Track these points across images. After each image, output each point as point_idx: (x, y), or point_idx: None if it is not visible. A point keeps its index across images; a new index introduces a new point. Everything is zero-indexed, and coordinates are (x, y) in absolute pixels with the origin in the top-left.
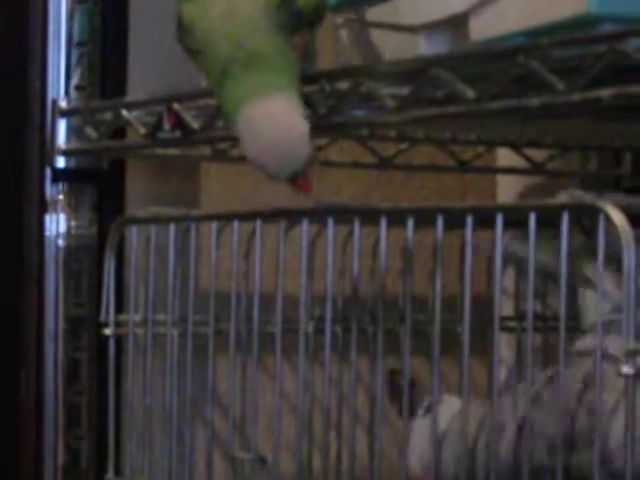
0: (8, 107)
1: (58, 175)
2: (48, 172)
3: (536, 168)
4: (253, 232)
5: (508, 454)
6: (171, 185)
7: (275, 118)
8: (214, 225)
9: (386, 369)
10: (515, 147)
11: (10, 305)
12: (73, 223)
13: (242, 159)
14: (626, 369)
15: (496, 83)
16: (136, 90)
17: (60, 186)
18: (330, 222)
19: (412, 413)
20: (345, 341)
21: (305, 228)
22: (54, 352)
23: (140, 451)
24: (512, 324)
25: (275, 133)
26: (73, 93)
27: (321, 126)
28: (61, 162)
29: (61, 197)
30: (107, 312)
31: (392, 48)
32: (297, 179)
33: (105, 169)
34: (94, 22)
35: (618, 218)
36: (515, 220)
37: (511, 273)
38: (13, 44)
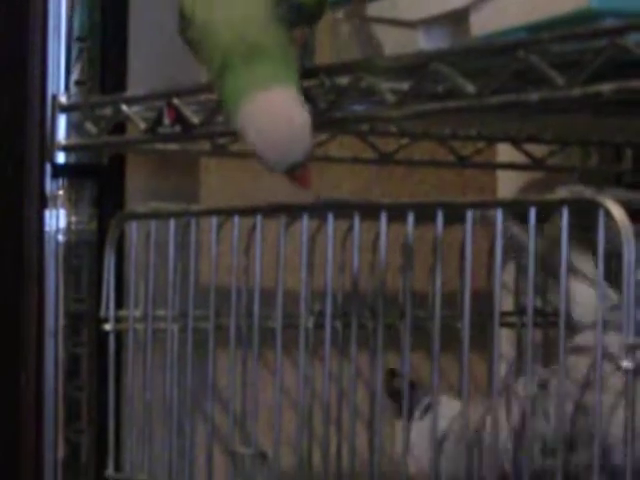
0: (8, 102)
1: (58, 170)
2: (48, 167)
3: (536, 164)
4: (253, 227)
5: (507, 454)
6: (171, 180)
7: (276, 109)
8: (214, 220)
9: (385, 368)
10: (515, 143)
11: (10, 301)
12: (73, 218)
13: (242, 154)
14: (626, 364)
15: (496, 78)
16: (136, 85)
17: (60, 181)
18: (330, 217)
19: (410, 415)
20: (345, 336)
21: (305, 223)
22: (54, 347)
23: (140, 446)
24: (512, 319)
25: (276, 124)
26: (73, 88)
27: (321, 121)
28: (61, 157)
29: (61, 192)
30: (107, 307)
31: (392, 43)
32: (296, 171)
33: (105, 164)
34: (94, 17)
35: (618, 213)
36: (515, 215)
37: (511, 268)
38: (13, 39)
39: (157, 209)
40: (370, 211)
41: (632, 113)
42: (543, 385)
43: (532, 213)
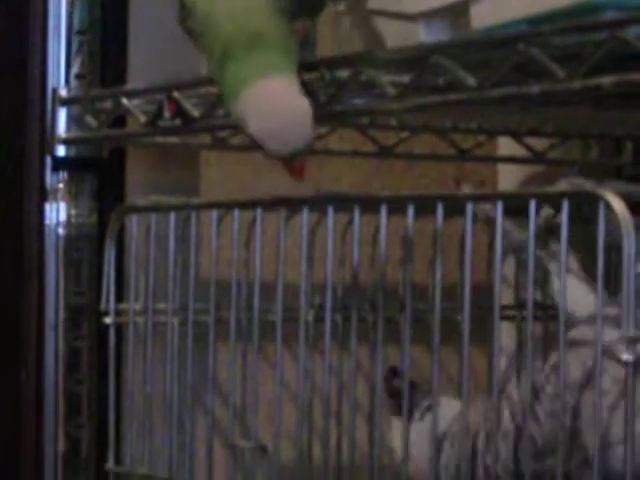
0: (8, 96)
1: (58, 164)
2: (48, 161)
3: (537, 157)
4: (253, 220)
5: (508, 453)
6: (171, 173)
7: (279, 97)
8: (214, 213)
9: (385, 362)
10: (515, 136)
11: (10, 294)
12: (73, 212)
13: (242, 147)
14: (626, 356)
15: (497, 71)
16: (136, 78)
17: (60, 175)
18: (330, 210)
19: (410, 415)
20: (345, 330)
21: (305, 216)
22: (54, 341)
23: (140, 440)
24: (512, 313)
25: (277, 111)
26: (73, 82)
27: (321, 114)
28: (61, 151)
29: (61, 186)
30: (107, 301)
31: (393, 36)
32: (295, 160)
33: (105, 158)
34: (94, 10)
35: (618, 206)
36: (515, 208)
37: (511, 262)
38: (13, 33)
39: (157, 202)
40: (370, 204)
41: (632, 106)
42: (535, 390)
43: (532, 206)
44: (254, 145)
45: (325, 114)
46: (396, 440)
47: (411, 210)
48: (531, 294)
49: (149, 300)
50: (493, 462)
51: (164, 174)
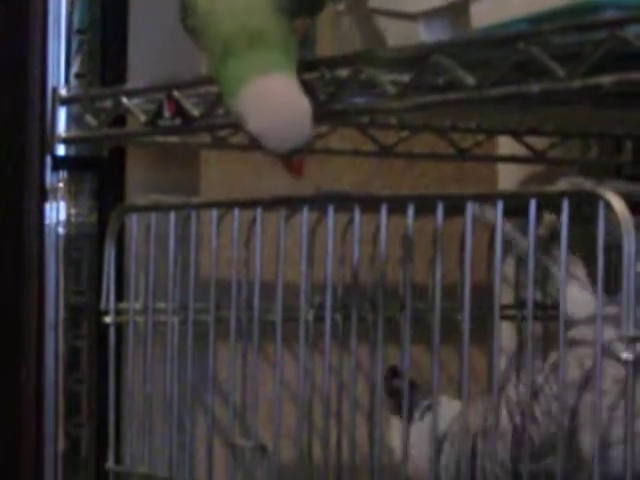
0: (8, 95)
1: (58, 163)
2: (48, 160)
3: (537, 156)
4: (253, 220)
5: (506, 453)
6: (171, 173)
7: (278, 94)
8: (214, 213)
9: (385, 362)
10: (515, 135)
11: (10, 294)
12: (73, 211)
13: (242, 147)
14: (625, 355)
15: (497, 70)
16: (136, 78)
17: (60, 174)
18: (330, 210)
19: (410, 415)
20: (345, 329)
21: (305, 216)
22: (54, 340)
23: (140, 439)
24: (512, 312)
25: (276, 108)
26: (73, 81)
27: (321, 113)
28: (61, 150)
29: (61, 185)
30: (107, 300)
31: (393, 35)
32: (294, 157)
33: (105, 157)
34: (94, 10)
35: (618, 205)
36: (515, 208)
37: (511, 261)
38: (13, 32)
39: (157, 202)
40: (370, 203)
41: (632, 105)
42: (534, 392)
43: (532, 205)
44: (253, 143)
45: (325, 113)
46: (396, 440)
47: (411, 210)
48: (531, 294)
49: (149, 299)
50: (490, 462)
51: (164, 173)
